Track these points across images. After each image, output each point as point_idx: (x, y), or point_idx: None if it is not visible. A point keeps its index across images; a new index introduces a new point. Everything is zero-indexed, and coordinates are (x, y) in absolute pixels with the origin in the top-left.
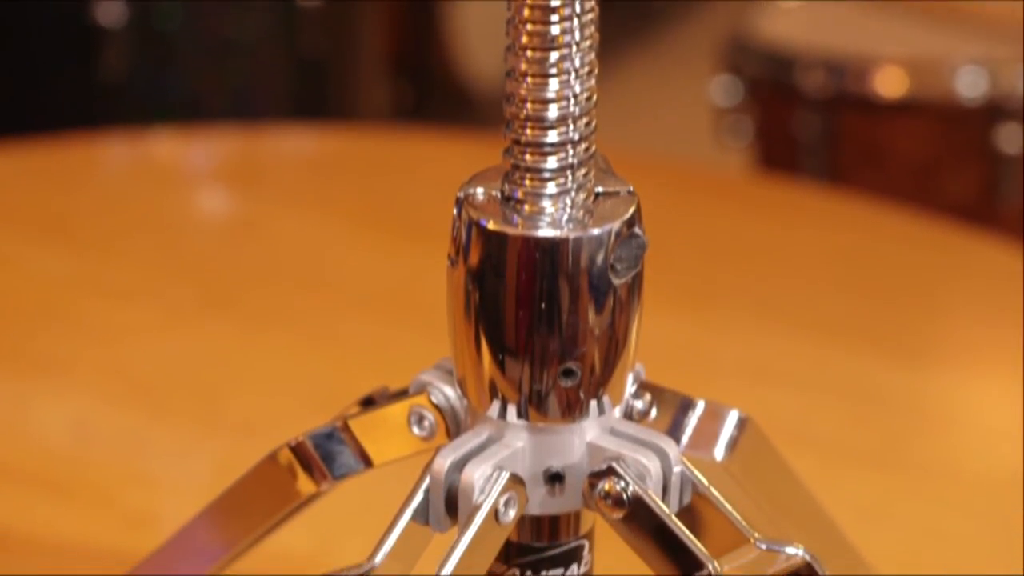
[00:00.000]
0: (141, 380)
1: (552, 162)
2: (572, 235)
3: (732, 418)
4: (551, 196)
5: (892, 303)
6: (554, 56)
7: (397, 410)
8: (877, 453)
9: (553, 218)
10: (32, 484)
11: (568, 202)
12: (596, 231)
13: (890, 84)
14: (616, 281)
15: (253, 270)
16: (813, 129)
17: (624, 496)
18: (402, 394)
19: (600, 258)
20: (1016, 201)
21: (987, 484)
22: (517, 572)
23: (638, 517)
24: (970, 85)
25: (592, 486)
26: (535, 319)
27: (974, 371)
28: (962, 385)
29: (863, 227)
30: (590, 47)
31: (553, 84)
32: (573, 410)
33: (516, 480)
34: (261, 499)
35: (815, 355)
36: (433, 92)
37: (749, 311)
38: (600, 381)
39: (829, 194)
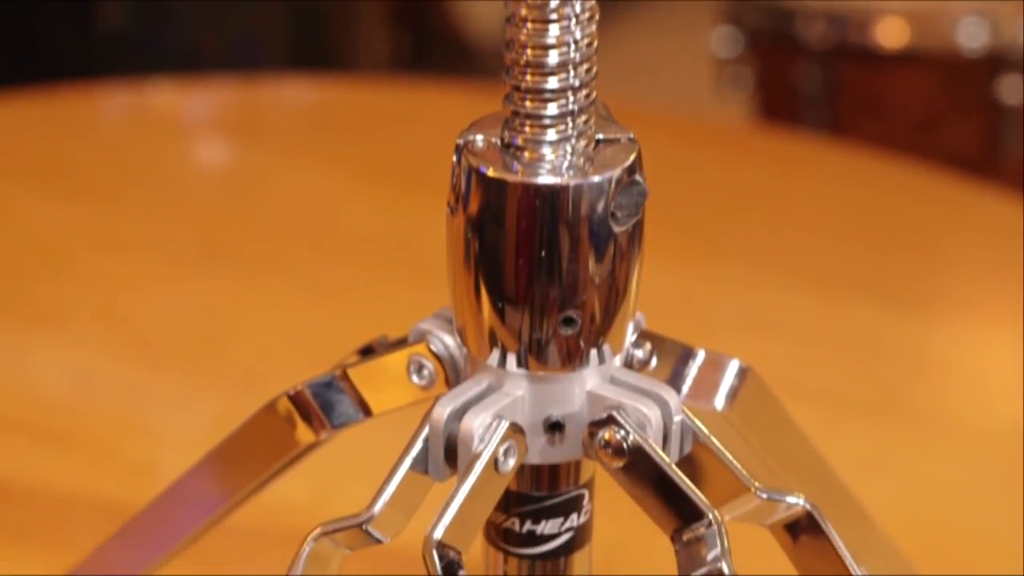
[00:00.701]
0: (141, 331)
1: (552, 108)
2: (572, 182)
3: (733, 368)
4: (551, 143)
5: (892, 254)
6: (555, 1)
7: (396, 359)
8: (877, 404)
9: (553, 165)
10: (32, 435)
11: (568, 149)
12: (597, 178)
13: (891, 35)
14: (617, 229)
15: (252, 220)
16: (814, 80)
17: (624, 445)
18: (401, 343)
19: (600, 206)
20: (1017, 152)
21: (986, 435)
22: (517, 521)
23: (638, 466)
24: (971, 36)
25: (592, 435)
26: (535, 267)
27: (974, 322)
28: (962, 336)
29: (863, 178)
30: None
31: (553, 30)
32: (573, 359)
33: (516, 429)
34: (259, 449)
35: (815, 307)
36: (432, 42)
37: (748, 262)
38: (600, 330)
39: (830, 145)
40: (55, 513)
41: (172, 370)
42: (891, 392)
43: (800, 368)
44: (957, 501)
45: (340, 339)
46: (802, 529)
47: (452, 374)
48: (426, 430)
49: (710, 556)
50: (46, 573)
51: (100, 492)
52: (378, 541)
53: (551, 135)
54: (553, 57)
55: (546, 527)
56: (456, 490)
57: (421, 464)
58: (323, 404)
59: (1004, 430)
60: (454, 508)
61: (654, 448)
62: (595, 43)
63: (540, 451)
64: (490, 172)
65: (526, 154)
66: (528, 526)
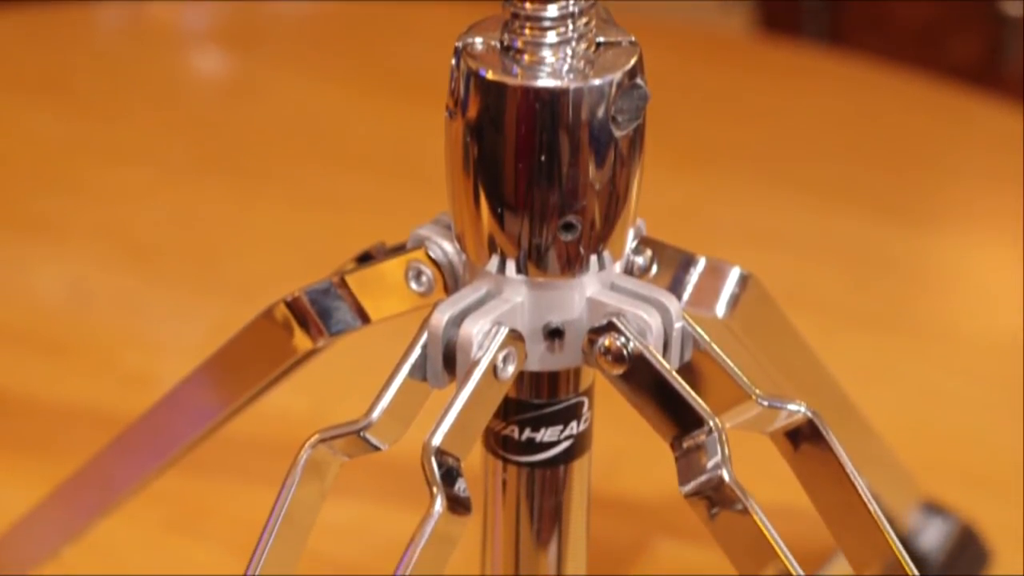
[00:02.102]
0: (138, 242)
1: (552, 10)
2: (573, 85)
3: (734, 275)
4: (551, 46)
5: (894, 166)
6: None
7: (394, 265)
8: (877, 316)
9: (553, 68)
10: (29, 346)
11: (569, 52)
12: (597, 81)
13: None
14: (617, 133)
15: (251, 132)
16: None
17: (624, 352)
18: (399, 249)
19: (601, 109)
20: (1019, 64)
21: (987, 347)
22: (516, 428)
23: (638, 373)
24: None
25: (592, 342)
26: (534, 172)
27: (976, 234)
28: (964, 248)
29: (866, 89)
30: None
31: None
32: (573, 265)
33: (515, 335)
34: (256, 357)
35: (815, 218)
36: None
37: (749, 173)
38: (600, 236)
39: (831, 56)
40: (53, 424)
41: (170, 281)
42: (892, 304)
43: (800, 280)
44: (957, 412)
45: (339, 250)
46: (803, 437)
47: (451, 281)
48: (424, 336)
49: (710, 464)
50: (43, 483)
51: (98, 403)
52: (376, 448)
53: (551, 37)
54: None
55: (545, 435)
56: (455, 397)
57: (419, 371)
58: (320, 311)
59: (1005, 341)
60: (453, 415)
61: (654, 355)
62: None
63: (539, 358)
64: (489, 75)
65: (526, 57)
66: (527, 434)
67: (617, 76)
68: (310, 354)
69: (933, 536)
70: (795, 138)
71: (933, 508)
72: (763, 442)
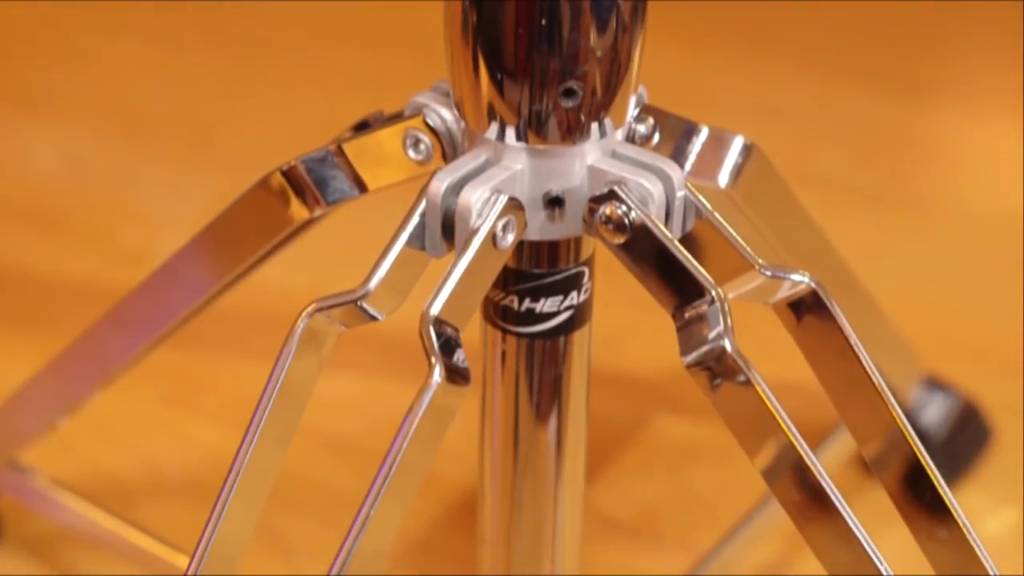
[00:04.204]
0: (133, 114)
1: None
2: None
3: (737, 144)
4: None
5: (897, 41)
6: None
7: (392, 133)
8: (880, 191)
9: None
10: (24, 220)
11: None
12: None
13: None
14: None
15: (248, 5)
16: None
17: (626, 221)
18: (397, 117)
19: None
20: None
21: (988, 222)
22: (515, 299)
23: (640, 242)
24: None
25: (592, 211)
26: (535, 36)
27: (978, 110)
28: (966, 124)
29: None
30: None
31: None
32: (573, 132)
33: (515, 204)
34: (252, 226)
35: (818, 92)
36: None
37: (751, 47)
38: (602, 102)
39: None
40: (48, 299)
41: (165, 154)
42: (894, 180)
43: (802, 154)
44: (959, 288)
45: (336, 121)
46: (806, 308)
47: (449, 149)
48: (423, 204)
49: (712, 334)
50: (39, 358)
51: (93, 278)
52: (373, 318)
53: None
54: None
55: (545, 305)
56: (453, 265)
57: (418, 240)
58: (317, 179)
59: (1005, 217)
60: (451, 283)
61: (656, 224)
62: None
63: (539, 227)
64: None
65: None
66: (527, 304)
67: None
68: (307, 224)
69: (935, 412)
70: (797, 11)
71: (935, 384)
72: (765, 321)
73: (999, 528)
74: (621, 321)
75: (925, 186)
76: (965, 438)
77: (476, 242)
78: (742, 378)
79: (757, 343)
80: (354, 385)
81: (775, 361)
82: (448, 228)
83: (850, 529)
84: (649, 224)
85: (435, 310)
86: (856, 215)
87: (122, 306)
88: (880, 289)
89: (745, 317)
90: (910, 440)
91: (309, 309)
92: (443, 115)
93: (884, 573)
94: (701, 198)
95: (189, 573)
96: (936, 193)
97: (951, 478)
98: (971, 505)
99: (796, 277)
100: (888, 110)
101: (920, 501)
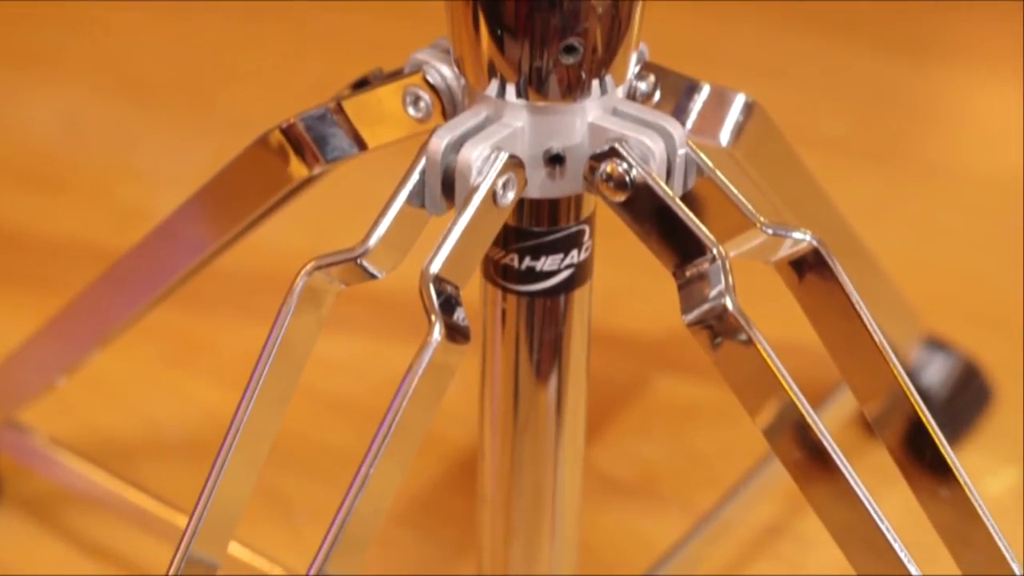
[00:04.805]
0: (133, 74)
1: None
2: None
3: (738, 102)
4: None
5: (900, 2)
6: None
7: (391, 91)
8: (882, 152)
9: None
10: (23, 180)
11: None
12: None
13: None
14: None
15: None
16: None
17: (626, 178)
18: (397, 74)
19: None
20: None
21: (990, 183)
22: (516, 257)
23: (640, 200)
24: None
25: (593, 168)
26: None
27: (981, 71)
28: (969, 85)
29: None
30: None
31: None
32: (574, 89)
33: (515, 161)
34: (251, 185)
35: (820, 54)
36: None
37: (754, 8)
38: (602, 59)
39: None
40: (47, 259)
41: (164, 113)
42: (895, 138)
43: (803, 114)
44: (960, 248)
45: (335, 80)
46: (808, 266)
47: (449, 106)
48: (423, 162)
49: (713, 292)
50: (38, 317)
51: (92, 237)
52: (372, 276)
53: None
54: None
55: (546, 263)
56: (453, 223)
57: (417, 197)
58: (316, 137)
59: (1006, 177)
60: (451, 241)
61: (657, 181)
62: None
63: (540, 185)
64: None
65: None
66: (527, 262)
67: None
68: (306, 182)
69: (936, 372)
70: None
71: (936, 344)
72: (766, 281)
73: (999, 488)
74: (621, 282)
75: (927, 147)
76: (966, 398)
77: (476, 200)
78: (743, 337)
79: (758, 303)
80: (354, 345)
81: (776, 321)
82: (448, 186)
83: (851, 488)
84: (650, 182)
85: (435, 268)
86: (858, 176)
87: (120, 265)
88: (881, 249)
89: (746, 277)
90: (912, 399)
91: (308, 267)
92: (443, 72)
93: (885, 532)
94: (703, 156)
95: (188, 532)
96: (938, 154)
97: (952, 438)
98: (971, 465)
99: (798, 235)
100: (890, 71)
101: (921, 460)
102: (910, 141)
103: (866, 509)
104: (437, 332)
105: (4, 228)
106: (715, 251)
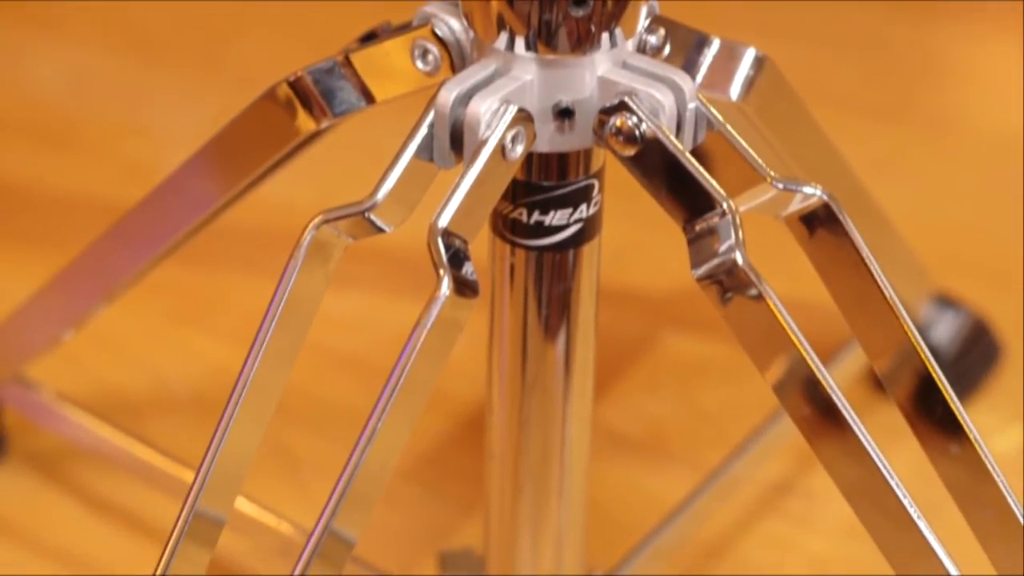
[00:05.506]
0: (139, 29)
1: None
2: None
3: (749, 57)
4: None
5: None
6: None
7: (400, 44)
8: (889, 108)
9: None
10: (31, 136)
11: None
12: None
13: None
14: None
15: None
16: None
17: (636, 132)
18: (405, 27)
19: None
20: None
21: (998, 140)
22: (524, 211)
23: (650, 154)
24: None
25: (603, 122)
26: None
27: (988, 28)
28: (974, 41)
29: None
30: None
31: None
32: (584, 42)
33: (524, 115)
34: (258, 138)
35: (828, 11)
36: None
37: None
38: (612, 12)
39: None
40: (55, 214)
41: (171, 68)
42: (903, 95)
43: (812, 71)
44: (968, 205)
45: (344, 35)
46: (819, 222)
47: (458, 60)
48: (431, 115)
49: (723, 247)
50: (45, 273)
51: (100, 193)
52: (380, 230)
53: None
54: None
55: (554, 218)
56: (462, 177)
57: (426, 151)
58: (324, 91)
59: (1016, 134)
60: (460, 195)
61: (667, 135)
62: None
63: (549, 139)
64: None
65: None
66: (536, 216)
67: None
68: (313, 136)
69: (945, 330)
70: None
71: (945, 301)
72: (776, 236)
73: (1008, 446)
74: (630, 240)
75: (935, 104)
76: (975, 356)
77: (485, 153)
78: (753, 292)
79: (767, 259)
80: (362, 301)
81: (785, 278)
82: (456, 139)
83: (861, 444)
84: (660, 136)
85: (443, 222)
86: (866, 134)
87: (127, 220)
88: (890, 207)
89: (755, 234)
90: (922, 355)
91: (316, 220)
92: (452, 25)
93: (895, 488)
94: (712, 110)
95: (195, 487)
96: (946, 111)
97: (960, 396)
98: (979, 423)
99: (808, 190)
100: (898, 29)
101: (932, 417)
102: (918, 98)
103: (876, 465)
104: (445, 286)
105: (12, 184)
106: (725, 205)
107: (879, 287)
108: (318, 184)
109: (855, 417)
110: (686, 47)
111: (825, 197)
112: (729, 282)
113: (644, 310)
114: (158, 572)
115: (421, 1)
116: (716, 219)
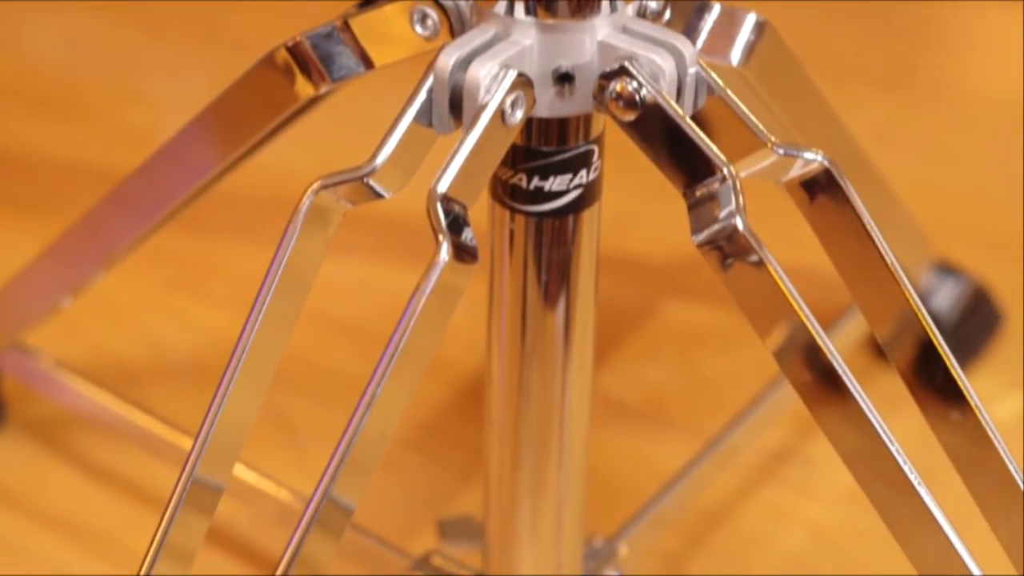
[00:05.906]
0: None
1: None
2: None
3: (749, 21)
4: None
5: None
6: None
7: (399, 8)
8: (890, 74)
9: None
10: (30, 104)
11: None
12: None
13: None
14: None
15: None
16: None
17: (636, 97)
18: None
19: None
20: None
21: (999, 107)
22: (524, 177)
23: (650, 119)
24: None
25: (603, 87)
26: None
27: None
28: (975, 8)
29: None
30: None
31: None
32: (583, 6)
33: (524, 79)
34: (256, 104)
35: None
36: None
37: None
38: None
39: None
40: (54, 181)
41: (170, 35)
42: (902, 62)
43: (811, 38)
44: (969, 172)
45: (343, 3)
46: (819, 187)
47: (457, 25)
48: (430, 80)
49: (723, 213)
50: (44, 240)
51: (99, 160)
52: (379, 195)
53: None
54: None
55: (554, 183)
56: (461, 142)
57: (425, 116)
58: (323, 56)
59: (1011, 101)
60: (459, 160)
61: (667, 100)
62: None
63: (549, 104)
64: None
65: None
66: (536, 182)
67: None
68: (312, 101)
69: (946, 296)
70: None
71: (946, 269)
72: (776, 204)
73: (1008, 414)
74: (629, 207)
75: (936, 71)
76: (975, 323)
77: (484, 118)
78: (754, 258)
79: (768, 225)
80: (361, 268)
81: (786, 244)
82: (456, 104)
83: (862, 411)
84: (660, 101)
85: (443, 187)
86: (865, 99)
87: (125, 186)
88: (890, 174)
89: (755, 201)
90: (923, 322)
91: (315, 186)
92: None
93: (896, 454)
94: (713, 75)
95: (193, 454)
96: (947, 78)
97: (961, 363)
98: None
99: (809, 155)
100: None
101: (932, 384)
102: (919, 65)
103: (877, 432)
104: (444, 251)
105: (11, 151)
106: (726, 171)
107: (880, 253)
108: (317, 151)
109: (856, 384)
110: (686, 12)
111: (826, 163)
112: (729, 248)
113: (644, 278)
114: (156, 538)
115: None
116: (716, 185)
